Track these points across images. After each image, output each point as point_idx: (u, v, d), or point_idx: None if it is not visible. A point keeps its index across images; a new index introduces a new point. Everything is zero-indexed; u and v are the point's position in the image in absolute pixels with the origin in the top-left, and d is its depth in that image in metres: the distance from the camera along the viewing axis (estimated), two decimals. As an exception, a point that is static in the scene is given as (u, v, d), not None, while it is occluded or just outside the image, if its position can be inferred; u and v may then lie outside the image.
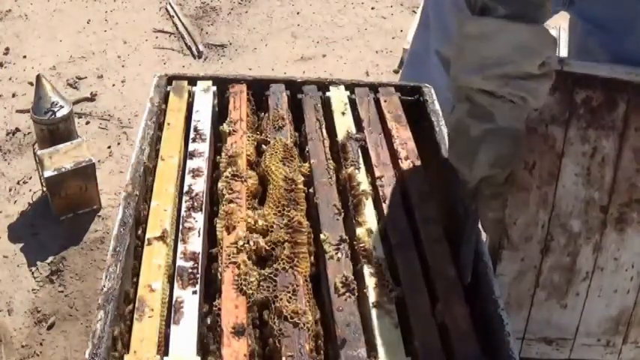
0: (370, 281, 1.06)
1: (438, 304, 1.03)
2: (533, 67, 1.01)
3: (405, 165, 1.27)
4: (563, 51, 1.80)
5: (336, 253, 1.10)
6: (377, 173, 1.25)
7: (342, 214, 1.18)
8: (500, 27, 1.00)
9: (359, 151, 1.30)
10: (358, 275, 1.08)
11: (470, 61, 1.03)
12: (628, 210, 1.56)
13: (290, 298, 1.02)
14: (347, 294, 1.04)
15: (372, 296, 1.04)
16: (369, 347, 0.98)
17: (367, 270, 1.07)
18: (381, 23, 3.23)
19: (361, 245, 1.11)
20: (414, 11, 3.22)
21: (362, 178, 1.24)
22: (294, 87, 1.44)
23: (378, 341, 0.98)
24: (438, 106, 1.41)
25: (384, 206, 1.19)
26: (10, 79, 2.82)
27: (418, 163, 1.28)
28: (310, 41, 3.12)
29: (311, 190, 1.23)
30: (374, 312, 1.02)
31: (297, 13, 3.28)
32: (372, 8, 3.34)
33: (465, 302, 1.03)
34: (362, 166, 1.26)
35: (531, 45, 1.00)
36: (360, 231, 1.14)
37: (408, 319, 1.02)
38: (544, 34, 1.01)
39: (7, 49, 2.95)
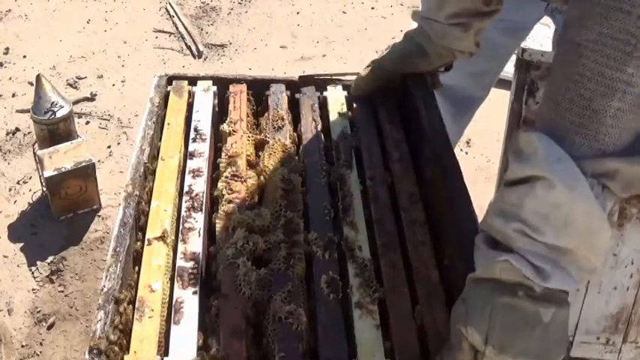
0: (354, 281, 1.06)
1: (417, 307, 1.04)
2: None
3: (396, 166, 1.27)
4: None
5: (324, 253, 1.10)
6: (368, 174, 1.25)
7: (332, 213, 1.18)
8: None
9: (352, 151, 1.30)
10: (343, 275, 1.08)
11: None
12: (627, 205, 1.56)
13: (285, 298, 1.02)
14: (331, 294, 1.04)
15: (355, 296, 1.04)
16: (349, 347, 0.98)
17: (352, 270, 1.08)
18: (381, 23, 3.23)
19: (348, 245, 1.11)
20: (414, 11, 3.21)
21: (353, 178, 1.24)
22: (294, 87, 1.44)
23: (359, 341, 0.98)
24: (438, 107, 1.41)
25: (374, 207, 1.19)
26: (10, 79, 2.82)
27: (410, 164, 1.28)
28: (310, 41, 3.12)
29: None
30: (356, 312, 1.02)
31: (297, 13, 3.28)
32: (372, 8, 3.34)
33: (446, 305, 1.03)
34: (354, 166, 1.26)
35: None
36: (348, 231, 1.14)
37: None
38: None
39: (7, 49, 2.95)
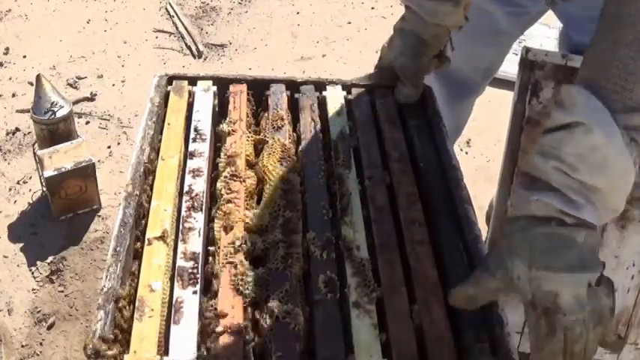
0: (352, 281, 1.06)
1: (415, 306, 1.03)
2: None
3: (395, 167, 1.27)
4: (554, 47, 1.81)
5: (322, 253, 1.10)
6: (367, 174, 1.25)
7: (331, 213, 1.18)
8: None
9: (351, 151, 1.30)
10: (341, 275, 1.08)
11: None
12: (629, 207, 1.56)
13: (282, 298, 1.02)
14: (329, 293, 1.04)
15: (352, 296, 1.04)
16: (346, 347, 0.98)
17: (350, 270, 1.08)
18: (381, 23, 3.23)
19: (346, 245, 1.11)
20: None
21: (352, 178, 1.24)
22: (294, 87, 1.44)
23: (356, 341, 0.98)
24: (439, 107, 1.41)
25: (372, 207, 1.19)
26: (10, 79, 2.82)
27: (409, 165, 1.28)
28: (310, 41, 3.12)
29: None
30: (353, 312, 1.02)
31: (297, 13, 3.28)
32: (372, 8, 3.34)
33: (444, 305, 1.03)
34: (353, 166, 1.27)
35: None
36: (346, 231, 1.14)
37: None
38: None
39: (7, 49, 2.95)
